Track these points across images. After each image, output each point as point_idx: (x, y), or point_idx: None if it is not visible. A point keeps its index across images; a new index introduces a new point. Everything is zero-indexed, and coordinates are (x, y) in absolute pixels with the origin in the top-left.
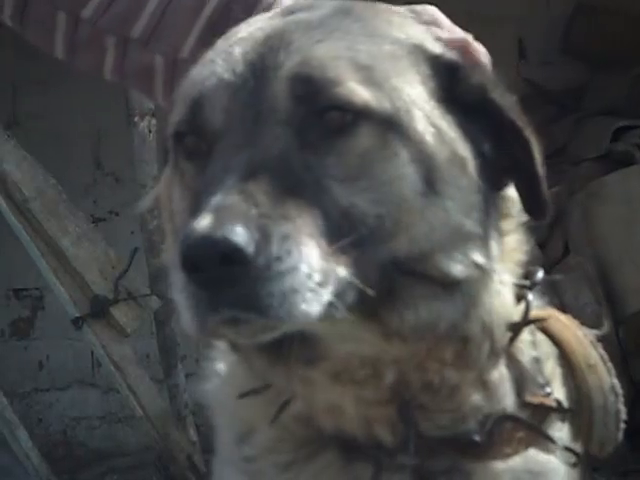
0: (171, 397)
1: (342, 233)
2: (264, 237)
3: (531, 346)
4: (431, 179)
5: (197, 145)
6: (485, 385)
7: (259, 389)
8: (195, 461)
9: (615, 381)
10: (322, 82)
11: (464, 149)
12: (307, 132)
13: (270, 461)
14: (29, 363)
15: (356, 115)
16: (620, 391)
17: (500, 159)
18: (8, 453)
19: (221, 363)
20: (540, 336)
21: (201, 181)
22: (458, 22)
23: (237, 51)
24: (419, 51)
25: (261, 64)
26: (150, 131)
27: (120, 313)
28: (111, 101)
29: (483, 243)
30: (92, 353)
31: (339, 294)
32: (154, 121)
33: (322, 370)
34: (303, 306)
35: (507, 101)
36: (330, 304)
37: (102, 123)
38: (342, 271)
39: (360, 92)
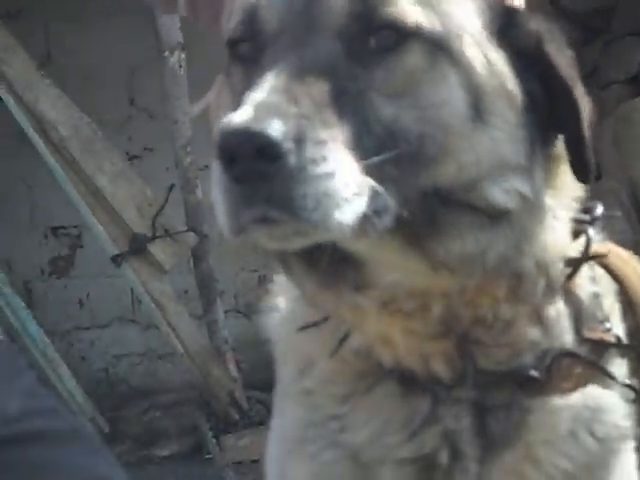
0: (210, 333)
1: (383, 148)
2: (301, 137)
3: (591, 282)
4: (479, 107)
5: (249, 50)
6: (542, 320)
7: (318, 322)
8: (237, 397)
9: None
10: (376, 0)
11: (513, 85)
12: (357, 46)
13: (328, 393)
14: (69, 301)
15: (407, 34)
16: None
17: (550, 111)
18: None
19: (281, 298)
20: (599, 271)
21: (249, 84)
22: None
23: None
24: None
25: None
26: (180, 66)
27: (158, 250)
28: (143, 36)
29: (529, 176)
30: (132, 290)
31: (375, 210)
32: (184, 55)
33: (370, 298)
34: (336, 213)
35: (562, 57)
36: (365, 217)
37: (135, 59)
38: (379, 187)
39: (413, 12)
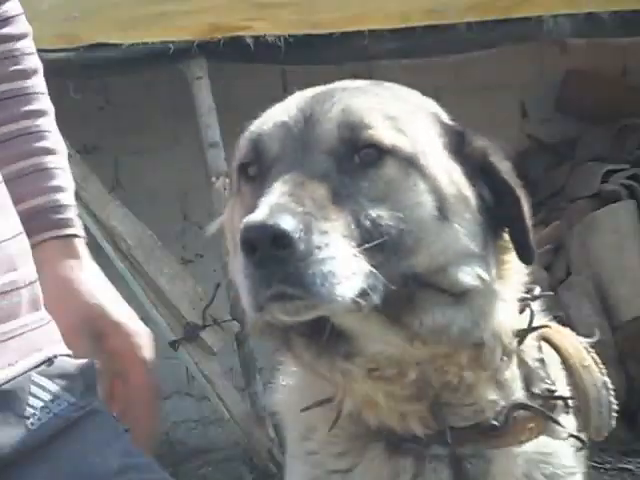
0: (252, 402)
1: (372, 239)
2: (307, 229)
3: (536, 350)
4: (443, 208)
5: (256, 171)
6: (499, 383)
7: (321, 402)
8: (274, 454)
9: (606, 379)
10: (360, 126)
11: (468, 190)
12: (345, 161)
13: (328, 453)
14: None
15: (385, 153)
16: (611, 386)
17: (497, 209)
18: None
19: (288, 378)
20: (545, 345)
21: (258, 197)
22: (475, 90)
23: (291, 102)
24: (434, 116)
25: (310, 110)
26: (225, 189)
27: (208, 336)
28: (195, 165)
29: (485, 262)
30: (187, 369)
31: (369, 287)
32: (227, 180)
33: (357, 365)
34: (339, 288)
35: (504, 165)
36: (362, 292)
37: (188, 183)
38: (370, 267)
39: (389, 136)
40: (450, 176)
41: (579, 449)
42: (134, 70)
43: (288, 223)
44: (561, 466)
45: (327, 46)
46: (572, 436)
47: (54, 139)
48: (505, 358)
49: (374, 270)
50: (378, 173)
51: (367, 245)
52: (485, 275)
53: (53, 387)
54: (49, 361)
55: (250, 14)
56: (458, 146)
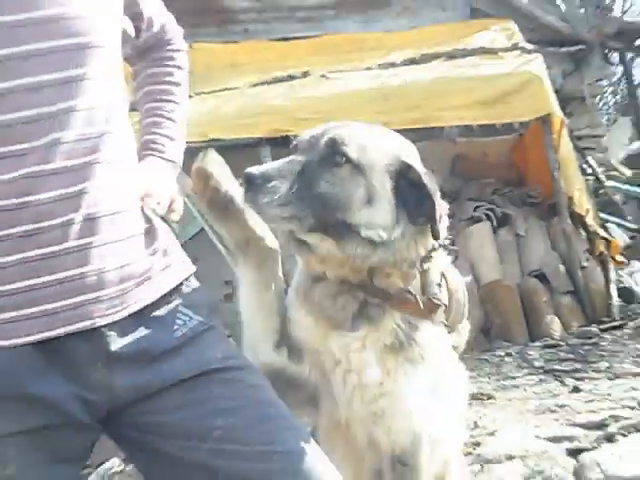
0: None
1: (311, 197)
2: (268, 180)
3: (439, 277)
4: (371, 199)
5: (295, 151)
6: (404, 277)
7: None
8: None
9: (465, 301)
10: (339, 142)
11: (390, 193)
12: (325, 160)
13: (310, 278)
14: (234, 312)
15: (347, 161)
16: (466, 303)
17: (421, 208)
18: None
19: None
20: (443, 279)
21: None
22: None
23: (316, 129)
24: (395, 154)
25: (321, 134)
26: None
27: None
28: None
29: (389, 230)
30: None
31: (298, 215)
32: None
33: (316, 256)
34: (275, 210)
35: (430, 182)
36: (292, 215)
37: None
38: (304, 207)
39: (351, 152)
40: (382, 184)
41: (447, 332)
42: (235, 152)
43: (257, 176)
44: (434, 331)
45: None
46: (442, 323)
47: (177, 114)
48: (411, 269)
49: (303, 207)
50: (337, 170)
51: (304, 193)
52: (384, 235)
53: (188, 312)
54: (180, 285)
55: (293, 124)
56: (405, 171)
